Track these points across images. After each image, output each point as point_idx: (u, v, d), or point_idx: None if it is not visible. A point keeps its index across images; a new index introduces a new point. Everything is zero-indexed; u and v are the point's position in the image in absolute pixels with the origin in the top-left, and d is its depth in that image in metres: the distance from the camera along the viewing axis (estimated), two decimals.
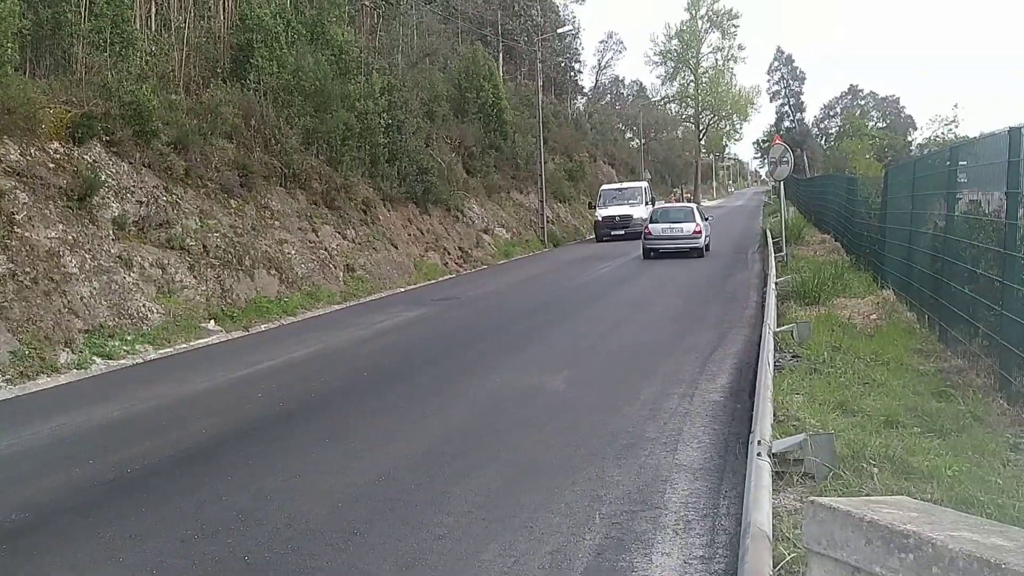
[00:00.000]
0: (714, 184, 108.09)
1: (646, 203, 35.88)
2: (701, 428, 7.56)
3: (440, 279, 24.03)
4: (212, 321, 14.98)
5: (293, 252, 18.94)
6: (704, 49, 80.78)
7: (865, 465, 5.83)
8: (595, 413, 8.29)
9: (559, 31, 53.02)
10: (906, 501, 3.70)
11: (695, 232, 25.34)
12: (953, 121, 58.52)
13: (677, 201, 76.70)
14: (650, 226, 26.26)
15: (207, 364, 12.24)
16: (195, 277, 15.62)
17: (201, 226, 16.55)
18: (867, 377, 8.54)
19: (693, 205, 29.64)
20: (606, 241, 34.94)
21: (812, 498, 3.42)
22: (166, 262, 15.19)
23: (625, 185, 40.45)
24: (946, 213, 10.11)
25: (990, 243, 8.18)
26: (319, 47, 22.64)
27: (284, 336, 14.72)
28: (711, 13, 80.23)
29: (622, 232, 34.20)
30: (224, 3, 22.50)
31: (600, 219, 36.40)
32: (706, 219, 27.20)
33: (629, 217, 35.08)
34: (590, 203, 40.57)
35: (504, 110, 36.44)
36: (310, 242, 19.92)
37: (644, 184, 39.59)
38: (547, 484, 6.22)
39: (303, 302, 17.79)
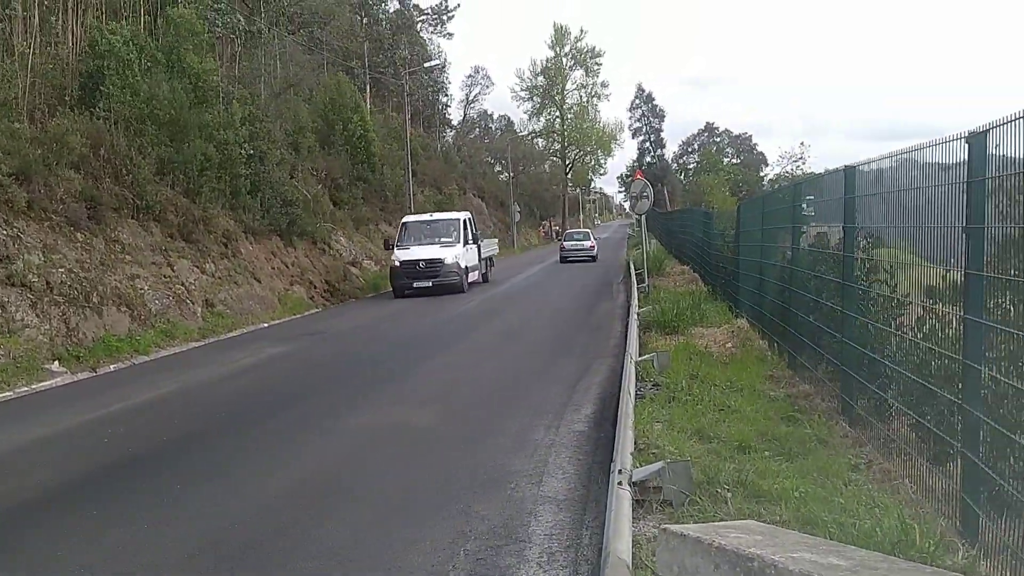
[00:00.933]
0: (581, 217, 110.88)
1: (466, 243, 27.37)
2: (566, 459, 7.64)
3: (306, 313, 23.45)
4: (56, 362, 14.03)
5: (146, 287, 18.04)
6: (569, 86, 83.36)
7: (720, 490, 6.03)
8: (464, 447, 8.25)
9: (426, 65, 53.38)
10: (753, 525, 3.85)
11: (591, 247, 43.08)
12: (800, 158, 62.30)
13: (545, 234, 78.67)
14: (564, 243, 44.58)
15: (49, 408, 11.43)
16: (37, 315, 14.62)
17: (45, 261, 15.53)
18: (723, 404, 8.86)
19: (590, 230, 49.01)
20: (408, 296, 25.65)
21: (664, 526, 3.50)
22: (5, 300, 14.16)
23: (436, 217, 29.63)
24: (792, 246, 10.71)
25: (831, 274, 8.70)
26: (175, 75, 21.86)
27: (135, 377, 13.95)
28: (575, 51, 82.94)
29: (428, 283, 25.33)
30: (73, 29, 21.40)
31: (398, 264, 26.01)
32: (602, 235, 48.17)
33: (439, 263, 25.64)
34: (386, 242, 29.20)
35: (372, 142, 36.23)
36: (165, 276, 19.04)
37: (462, 216, 29.06)
38: (413, 522, 6.12)
39: (157, 340, 16.94)
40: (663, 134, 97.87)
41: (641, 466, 6.38)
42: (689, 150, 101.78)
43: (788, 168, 61.80)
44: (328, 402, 10.95)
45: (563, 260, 41.11)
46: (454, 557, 5.41)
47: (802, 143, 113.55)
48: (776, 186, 30.36)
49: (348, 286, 28.17)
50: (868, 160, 7.36)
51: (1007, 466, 4.65)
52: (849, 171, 7.93)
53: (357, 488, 7.17)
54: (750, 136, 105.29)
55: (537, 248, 67.22)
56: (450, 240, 27.01)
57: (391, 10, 58.64)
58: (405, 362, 14.05)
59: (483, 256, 29.85)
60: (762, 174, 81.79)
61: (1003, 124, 4.60)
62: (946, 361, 5.65)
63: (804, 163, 59.92)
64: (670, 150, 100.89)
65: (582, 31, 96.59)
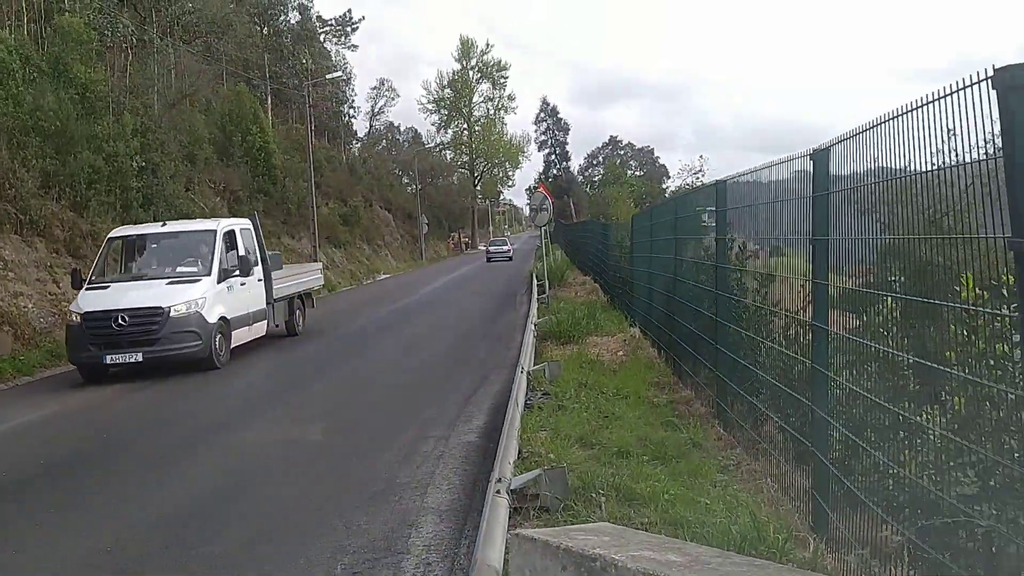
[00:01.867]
0: (491, 228, 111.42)
1: (228, 274, 15.40)
2: (453, 470, 7.71)
3: None
4: None
5: (30, 305, 17.32)
6: (476, 98, 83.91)
7: (595, 495, 6.22)
8: (350, 462, 8.25)
9: (329, 76, 52.84)
10: (604, 527, 4.02)
11: (508, 250, 59.68)
12: (700, 170, 64.18)
13: (455, 246, 78.91)
14: (489, 248, 60.94)
15: None
16: None
17: None
18: (608, 411, 9.11)
19: (507, 238, 65.21)
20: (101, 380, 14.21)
21: (515, 531, 3.62)
22: None
23: (173, 228, 16.68)
24: (674, 256, 11.09)
25: (708, 284, 9.06)
26: (62, 85, 21.10)
27: (14, 398, 13.36)
28: (481, 64, 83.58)
29: (136, 356, 13.87)
30: None
31: (77, 320, 14.25)
32: (512, 245, 59.89)
33: (155, 316, 14.00)
34: (75, 271, 16.01)
35: (273, 153, 35.68)
36: (51, 294, 18.31)
37: (223, 226, 16.12)
38: (291, 539, 6.08)
39: (43, 360, 16.27)
40: (568, 147, 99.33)
41: (521, 475, 6.51)
42: (594, 163, 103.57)
43: (688, 180, 63.58)
44: (217, 420, 10.75)
45: (489, 260, 55.98)
46: (329, 573, 5.42)
47: (701, 156, 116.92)
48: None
49: None
50: (737, 174, 7.73)
51: (853, 465, 4.96)
52: (720, 185, 8.29)
53: (239, 506, 7.08)
54: (652, 149, 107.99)
55: (446, 259, 67.27)
56: (192, 271, 15.14)
57: (293, 20, 57.88)
58: (300, 375, 13.89)
59: (286, 294, 18.24)
60: (664, 186, 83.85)
61: (842, 141, 4.93)
62: (800, 367, 5.98)
63: (703, 175, 61.72)
64: (576, 162, 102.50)
65: (488, 44, 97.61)
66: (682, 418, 8.62)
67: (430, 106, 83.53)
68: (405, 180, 76.52)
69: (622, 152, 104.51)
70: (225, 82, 39.27)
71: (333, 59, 63.71)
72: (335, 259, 41.84)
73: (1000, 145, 2.83)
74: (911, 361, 4.11)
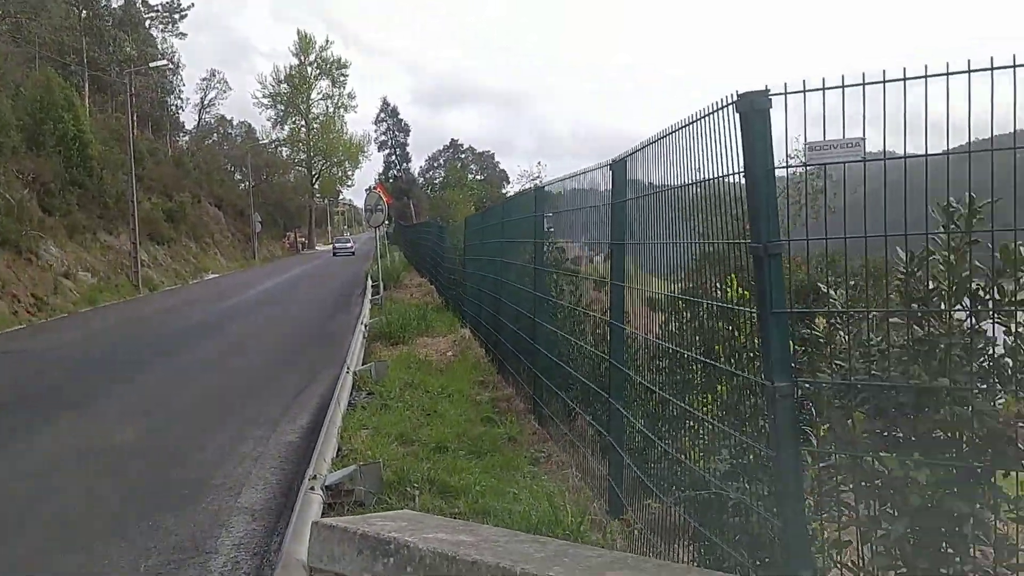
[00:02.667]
0: (329, 228, 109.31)
1: None
2: (271, 470, 7.65)
3: (8, 330, 21.21)
4: None
5: None
6: (315, 95, 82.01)
7: (409, 489, 6.39)
8: (164, 464, 7.99)
9: (153, 65, 50.07)
10: (405, 514, 4.19)
11: (352, 246, 68.54)
12: (538, 177, 65.67)
13: (291, 245, 76.89)
14: (335, 244, 71.25)
15: None
16: None
17: None
18: (431, 409, 9.30)
19: (351, 237, 70.20)
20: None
21: (315, 520, 3.72)
22: None
23: None
24: (499, 259, 11.44)
25: (528, 286, 9.43)
26: None
27: None
28: (320, 60, 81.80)
29: None
30: None
31: None
32: (354, 242, 67.72)
33: None
34: None
35: (89, 144, 33.47)
36: None
37: None
38: (95, 543, 5.87)
39: None
40: (409, 148, 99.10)
41: (336, 471, 6.58)
42: (435, 165, 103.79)
43: (526, 186, 64.98)
44: (19, 423, 10.08)
45: (335, 254, 63.81)
46: (131, 574, 5.29)
47: (539, 162, 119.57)
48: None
49: (60, 300, 25.85)
50: (549, 181, 8.12)
51: (643, 453, 5.37)
52: (539, 191, 8.67)
53: (41, 509, 6.73)
54: (493, 154, 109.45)
55: (281, 259, 65.38)
56: None
57: (115, 4, 54.58)
58: (120, 376, 13.22)
59: None
60: (504, 191, 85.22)
61: (633, 153, 5.33)
62: (604, 364, 6.39)
63: (541, 181, 63.27)
64: (417, 164, 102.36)
65: (328, 41, 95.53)
66: (502, 414, 8.93)
67: (265, 101, 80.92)
68: (238, 176, 73.78)
69: (463, 155, 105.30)
70: (37, 66, 36.47)
71: (159, 47, 60.53)
72: (157, 257, 39.83)
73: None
74: (689, 356, 4.52)
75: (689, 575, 3.40)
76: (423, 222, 48.15)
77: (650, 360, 5.30)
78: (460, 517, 5.67)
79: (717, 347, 4.23)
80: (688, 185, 4.02)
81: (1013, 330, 2.91)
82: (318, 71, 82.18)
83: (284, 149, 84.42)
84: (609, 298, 5.87)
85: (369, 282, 27.62)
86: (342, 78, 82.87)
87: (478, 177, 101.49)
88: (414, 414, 9.02)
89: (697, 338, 4.35)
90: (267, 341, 17.38)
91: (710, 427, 4.04)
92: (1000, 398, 2.93)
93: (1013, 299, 2.94)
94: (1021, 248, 2.93)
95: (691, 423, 4.32)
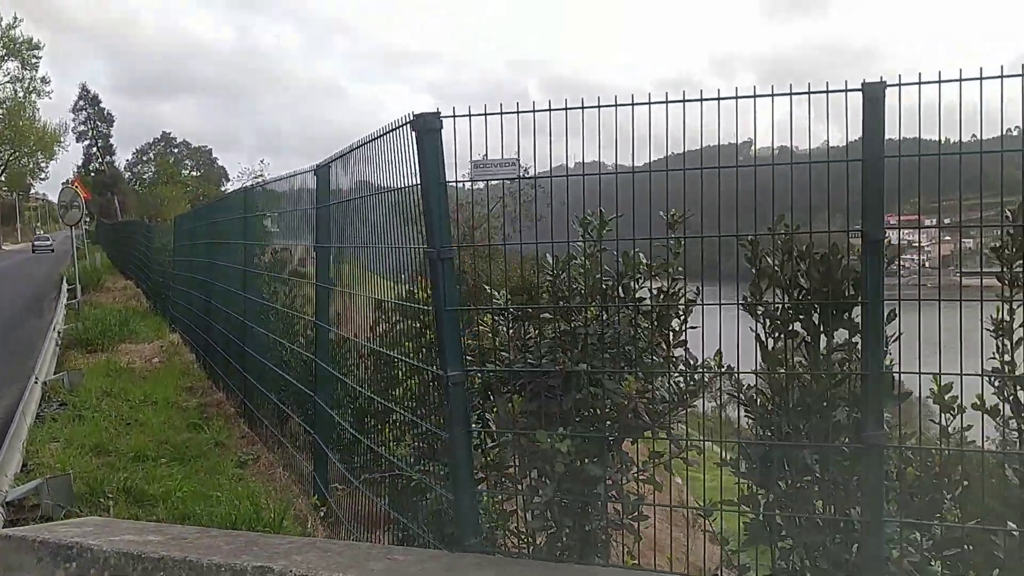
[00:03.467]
0: (19, 226, 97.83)
1: None
2: None
3: None
4: None
5: None
6: (1, 77, 73.03)
7: (103, 499, 6.13)
8: None
9: None
10: (92, 520, 4.12)
11: (51, 243, 59.99)
12: (260, 175, 63.42)
13: None
14: (35, 242, 61.94)
15: None
16: None
17: None
18: (131, 417, 8.87)
19: (46, 233, 55.49)
20: None
21: None
22: None
23: None
24: (208, 260, 11.13)
25: (239, 288, 9.29)
26: None
27: None
28: (7, 39, 72.98)
29: None
30: None
31: None
32: (52, 240, 61.50)
33: None
34: None
35: None
36: None
37: None
38: None
39: None
40: (113, 140, 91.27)
41: (20, 486, 6.15)
42: (145, 159, 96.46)
43: (248, 183, 62.46)
44: None
45: (34, 251, 57.83)
46: None
47: (262, 160, 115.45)
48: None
49: None
50: (258, 183, 8.11)
51: (343, 448, 5.62)
52: (249, 192, 8.62)
53: None
54: (211, 149, 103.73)
55: None
56: None
57: None
58: None
59: None
60: (223, 188, 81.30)
61: (335, 160, 5.57)
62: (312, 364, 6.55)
63: (265, 179, 61.14)
64: (123, 158, 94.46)
65: (16, 18, 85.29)
66: (210, 420, 8.75)
67: None
68: None
69: (176, 150, 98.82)
70: None
71: None
72: None
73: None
74: (384, 353, 4.85)
75: (372, 550, 3.71)
76: (129, 221, 44.73)
77: (355, 358, 5.56)
78: (164, 523, 5.56)
79: (408, 343, 4.60)
80: (378, 193, 4.34)
81: (633, 322, 3.54)
82: (4, 51, 73.26)
83: None
84: (315, 299, 6.05)
85: (65, 285, 25.27)
86: (34, 60, 74.50)
87: (193, 173, 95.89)
88: (112, 424, 8.55)
89: (389, 336, 4.69)
90: None
91: (400, 417, 4.39)
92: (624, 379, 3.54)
93: (634, 297, 3.58)
94: (640, 255, 3.57)
95: (383, 414, 4.65)
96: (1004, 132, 3.13)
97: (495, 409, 3.86)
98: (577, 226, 3.60)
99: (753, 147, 3.39)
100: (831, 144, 3.48)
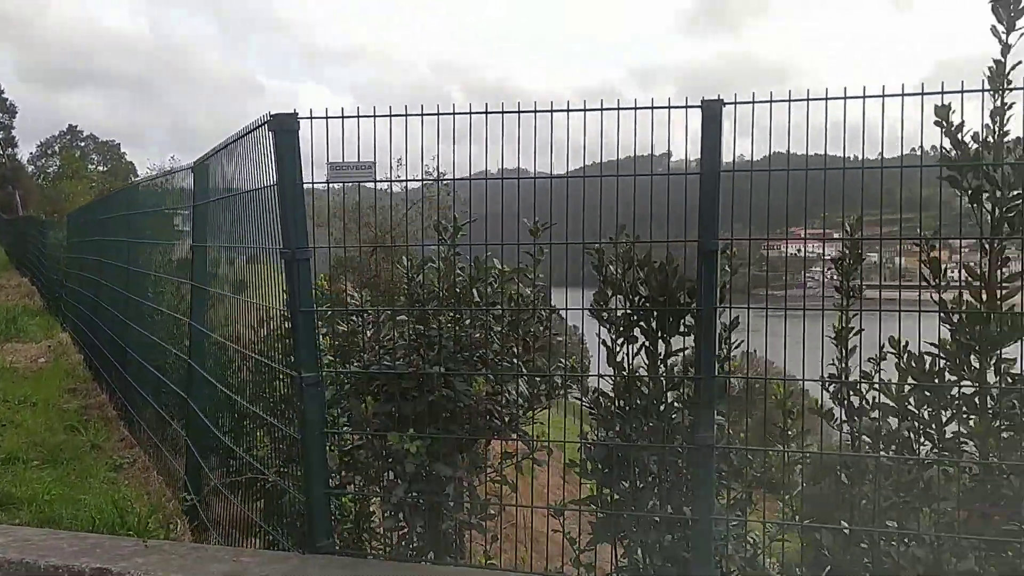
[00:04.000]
0: None
1: None
2: None
3: None
4: None
5: None
6: None
7: None
8: None
9: None
10: None
11: None
12: (170, 171, 61.64)
13: None
14: None
15: None
16: None
17: None
18: (8, 419, 8.54)
19: None
20: None
21: None
22: None
23: None
24: (98, 258, 10.79)
25: (122, 287, 9.03)
26: None
27: None
28: None
29: None
30: None
31: None
32: None
33: None
34: None
35: None
36: None
37: None
38: None
39: None
40: (15, 132, 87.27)
41: None
42: (49, 152, 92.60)
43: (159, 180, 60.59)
44: None
45: None
46: None
47: (172, 157, 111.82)
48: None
49: None
50: (138, 181, 7.92)
51: (214, 451, 5.53)
52: (132, 190, 8.41)
53: None
54: (119, 144, 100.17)
55: None
56: None
57: None
58: None
59: None
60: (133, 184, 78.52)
61: (210, 156, 5.49)
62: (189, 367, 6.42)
63: (172, 175, 59.38)
64: (26, 151, 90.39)
65: None
66: (90, 422, 8.48)
67: None
68: None
69: (83, 144, 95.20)
70: None
71: None
72: None
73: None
74: (251, 356, 4.80)
75: (220, 553, 3.68)
76: (27, 216, 42.90)
77: (226, 360, 5.49)
78: (27, 527, 5.38)
79: (278, 345, 4.57)
80: (243, 193, 4.31)
81: (486, 326, 3.61)
82: None
83: None
84: (191, 300, 5.95)
85: None
86: None
87: (100, 168, 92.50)
88: None
89: (258, 338, 4.65)
90: None
91: (262, 420, 4.36)
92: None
93: (488, 302, 3.65)
94: (494, 260, 3.66)
95: (248, 418, 4.61)
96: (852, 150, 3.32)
97: (350, 412, 3.88)
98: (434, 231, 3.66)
99: (599, 159, 3.50)
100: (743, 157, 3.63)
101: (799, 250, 4.01)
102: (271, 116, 3.53)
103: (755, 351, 4.24)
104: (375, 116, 3.43)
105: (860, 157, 3.26)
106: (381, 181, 3.53)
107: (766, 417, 3.92)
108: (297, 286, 3.58)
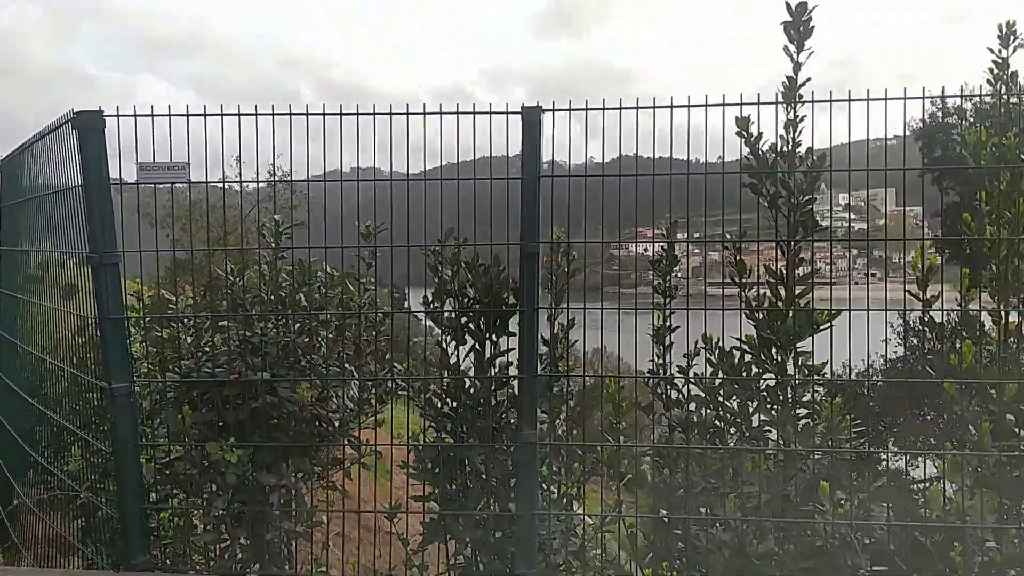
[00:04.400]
0: None
1: None
2: None
3: None
4: None
5: None
6: None
7: None
8: None
9: None
10: None
11: None
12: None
13: None
14: None
15: None
16: None
17: None
18: None
19: None
20: None
21: None
22: None
23: None
24: None
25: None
26: None
27: None
28: None
29: None
30: None
31: None
32: None
33: None
34: None
35: None
36: None
37: None
38: None
39: None
40: None
41: None
42: None
43: None
44: None
45: None
46: None
47: None
48: None
49: None
50: None
51: (27, 473, 5.13)
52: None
53: None
54: None
55: None
56: None
57: None
58: None
59: None
60: None
61: (13, 155, 5.11)
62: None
63: None
64: None
65: None
66: None
67: None
68: None
69: None
70: None
71: None
72: None
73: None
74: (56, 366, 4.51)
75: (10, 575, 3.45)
76: None
77: (37, 372, 5.13)
78: None
79: (91, 354, 4.31)
80: (50, 194, 4.05)
81: (312, 331, 3.55)
82: None
83: None
84: None
85: None
86: None
87: None
88: None
89: (69, 347, 4.37)
90: None
91: (72, 433, 4.12)
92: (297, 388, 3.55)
93: (317, 307, 3.59)
94: (322, 264, 3.60)
95: (58, 431, 4.34)
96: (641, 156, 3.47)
97: (166, 422, 3.72)
98: (259, 233, 3.57)
99: (440, 161, 3.51)
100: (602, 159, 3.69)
101: (646, 250, 4.17)
102: (75, 113, 3.33)
103: (607, 348, 4.42)
104: (188, 115, 3.30)
105: (677, 162, 3.43)
106: (196, 183, 3.40)
107: (597, 414, 4.07)
108: (105, 292, 3.39)
